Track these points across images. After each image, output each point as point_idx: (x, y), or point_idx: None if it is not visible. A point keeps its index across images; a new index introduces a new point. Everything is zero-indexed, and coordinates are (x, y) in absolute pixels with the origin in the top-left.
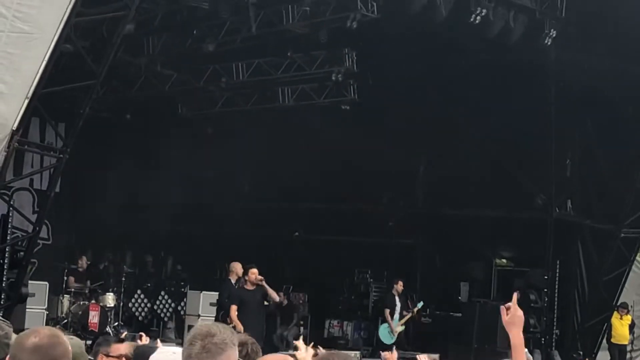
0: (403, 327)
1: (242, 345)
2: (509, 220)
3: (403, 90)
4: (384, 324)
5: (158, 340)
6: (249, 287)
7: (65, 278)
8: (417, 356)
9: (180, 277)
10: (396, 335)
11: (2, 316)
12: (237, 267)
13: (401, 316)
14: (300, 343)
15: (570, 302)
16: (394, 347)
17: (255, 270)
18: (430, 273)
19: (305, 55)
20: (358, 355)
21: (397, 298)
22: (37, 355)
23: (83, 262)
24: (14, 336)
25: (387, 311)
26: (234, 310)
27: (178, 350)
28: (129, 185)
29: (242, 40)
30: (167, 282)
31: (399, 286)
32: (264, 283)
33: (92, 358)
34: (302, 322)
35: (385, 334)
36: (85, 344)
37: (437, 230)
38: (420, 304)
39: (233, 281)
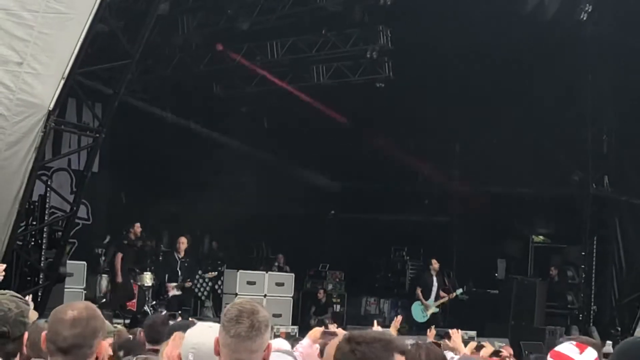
0: (437, 309)
1: None
2: (546, 197)
3: (438, 68)
4: (417, 301)
5: (194, 320)
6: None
7: (103, 257)
8: (450, 331)
9: (217, 256)
10: (429, 315)
11: (41, 295)
12: (182, 241)
13: (437, 296)
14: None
15: (608, 279)
16: (432, 327)
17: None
18: (467, 250)
19: (339, 33)
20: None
21: (434, 277)
22: (78, 328)
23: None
24: (33, 314)
25: (419, 289)
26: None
27: (214, 325)
28: (164, 166)
29: (277, 18)
30: (204, 261)
31: (435, 264)
32: None
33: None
34: (338, 300)
35: (417, 312)
36: (124, 323)
37: (474, 207)
38: (459, 291)
39: (180, 256)
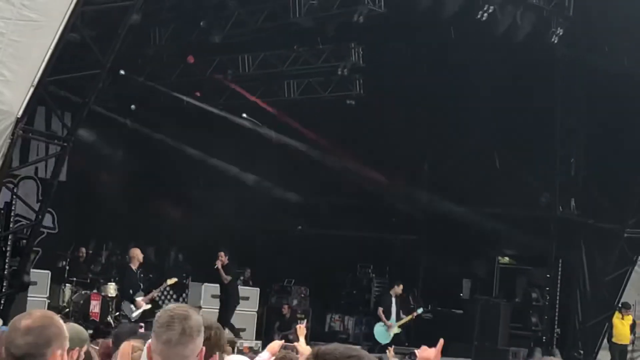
0: (400, 330)
1: (207, 329)
2: (513, 218)
3: (407, 86)
4: (379, 322)
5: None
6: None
7: (67, 267)
8: (416, 351)
9: (183, 269)
10: (392, 335)
11: (3, 303)
12: (137, 253)
13: (398, 317)
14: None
15: (572, 301)
16: (391, 347)
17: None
18: (433, 269)
19: (311, 48)
20: None
21: (393, 299)
22: (30, 337)
23: (82, 253)
24: None
25: (380, 309)
26: None
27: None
28: (133, 176)
29: (249, 32)
30: (169, 274)
31: (398, 289)
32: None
33: (94, 346)
34: (303, 316)
35: (380, 333)
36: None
37: (440, 227)
38: (420, 310)
39: (134, 268)
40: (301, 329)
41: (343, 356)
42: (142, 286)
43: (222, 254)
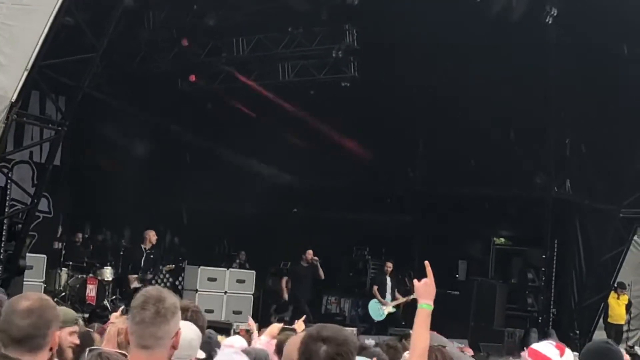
0: (394, 309)
1: (184, 310)
2: (508, 199)
3: (403, 68)
4: (374, 299)
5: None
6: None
7: (63, 251)
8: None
9: (179, 252)
10: (386, 313)
11: None
12: (150, 235)
13: (393, 296)
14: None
15: (568, 282)
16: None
17: (310, 251)
18: (428, 251)
19: (306, 31)
20: (355, 332)
21: (387, 277)
22: (31, 319)
23: (78, 238)
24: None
25: (375, 287)
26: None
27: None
28: (127, 160)
29: (243, 15)
30: (166, 256)
31: (387, 266)
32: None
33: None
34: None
35: (374, 309)
36: (83, 317)
37: (436, 208)
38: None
39: (144, 247)
40: (299, 323)
41: (338, 335)
42: (142, 265)
43: (310, 251)
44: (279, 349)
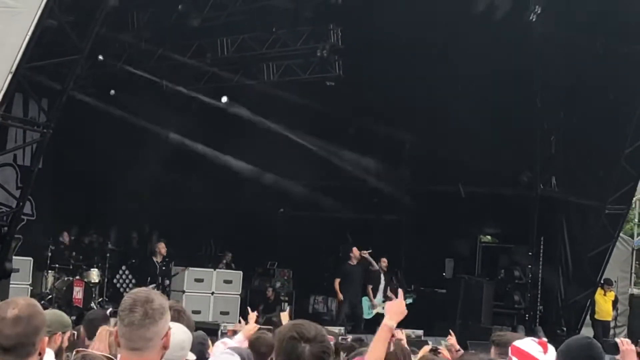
0: (384, 310)
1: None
2: (494, 197)
3: (388, 67)
4: (365, 297)
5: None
6: (353, 262)
7: (49, 254)
8: (394, 331)
9: (167, 253)
10: (374, 312)
11: None
12: (160, 247)
13: (385, 295)
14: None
15: (554, 279)
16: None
17: (356, 249)
18: (415, 249)
19: (290, 31)
20: (342, 331)
21: (382, 275)
22: (19, 327)
23: (65, 238)
24: None
25: (370, 287)
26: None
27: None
28: (112, 162)
29: (228, 15)
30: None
31: (382, 263)
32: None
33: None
34: (287, 299)
35: (365, 307)
36: (70, 320)
37: (422, 206)
38: (409, 300)
39: (156, 260)
40: (284, 315)
41: (318, 334)
42: (158, 275)
43: (355, 249)
44: (252, 349)
